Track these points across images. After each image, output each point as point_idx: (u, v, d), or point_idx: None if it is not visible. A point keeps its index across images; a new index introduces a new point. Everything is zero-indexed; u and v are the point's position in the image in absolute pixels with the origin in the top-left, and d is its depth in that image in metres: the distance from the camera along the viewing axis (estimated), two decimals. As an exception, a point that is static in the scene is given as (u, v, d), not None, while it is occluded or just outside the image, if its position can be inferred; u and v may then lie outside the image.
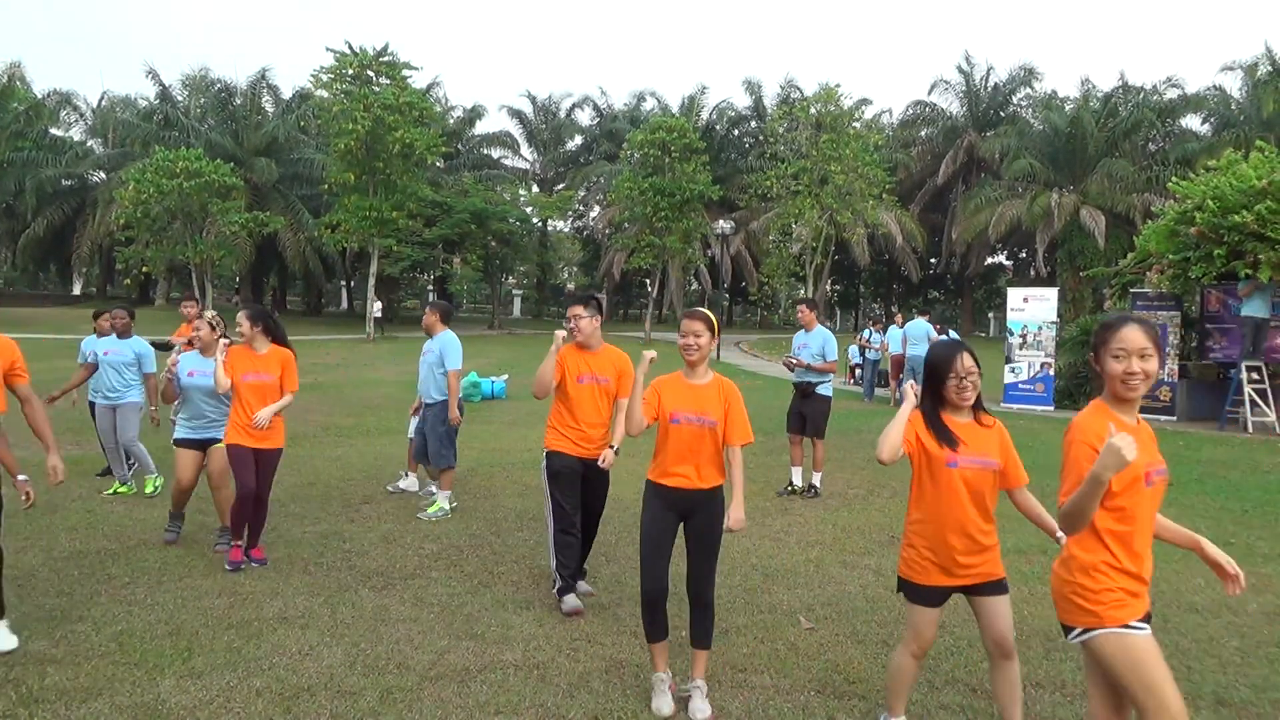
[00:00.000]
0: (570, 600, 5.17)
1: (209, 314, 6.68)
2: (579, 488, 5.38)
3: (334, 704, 3.93)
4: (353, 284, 48.42)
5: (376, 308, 34.81)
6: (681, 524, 4.04)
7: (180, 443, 6.41)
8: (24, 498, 4.37)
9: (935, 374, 3.40)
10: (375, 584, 5.57)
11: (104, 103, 46.93)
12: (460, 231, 36.79)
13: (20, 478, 4.38)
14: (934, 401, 3.41)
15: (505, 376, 17.55)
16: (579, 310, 5.33)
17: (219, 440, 6.31)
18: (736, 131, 48.67)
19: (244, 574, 5.71)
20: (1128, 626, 2.82)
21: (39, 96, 44.86)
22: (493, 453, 10.65)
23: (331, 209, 34.53)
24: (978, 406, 3.44)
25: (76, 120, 47.78)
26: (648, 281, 40.66)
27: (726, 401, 4.01)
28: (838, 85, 31.75)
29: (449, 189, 39.29)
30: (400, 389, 17.15)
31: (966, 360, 3.35)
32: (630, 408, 3.97)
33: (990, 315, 53.09)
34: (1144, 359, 2.74)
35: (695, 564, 4.00)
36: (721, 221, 33.91)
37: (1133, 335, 2.76)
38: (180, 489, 6.36)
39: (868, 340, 18.28)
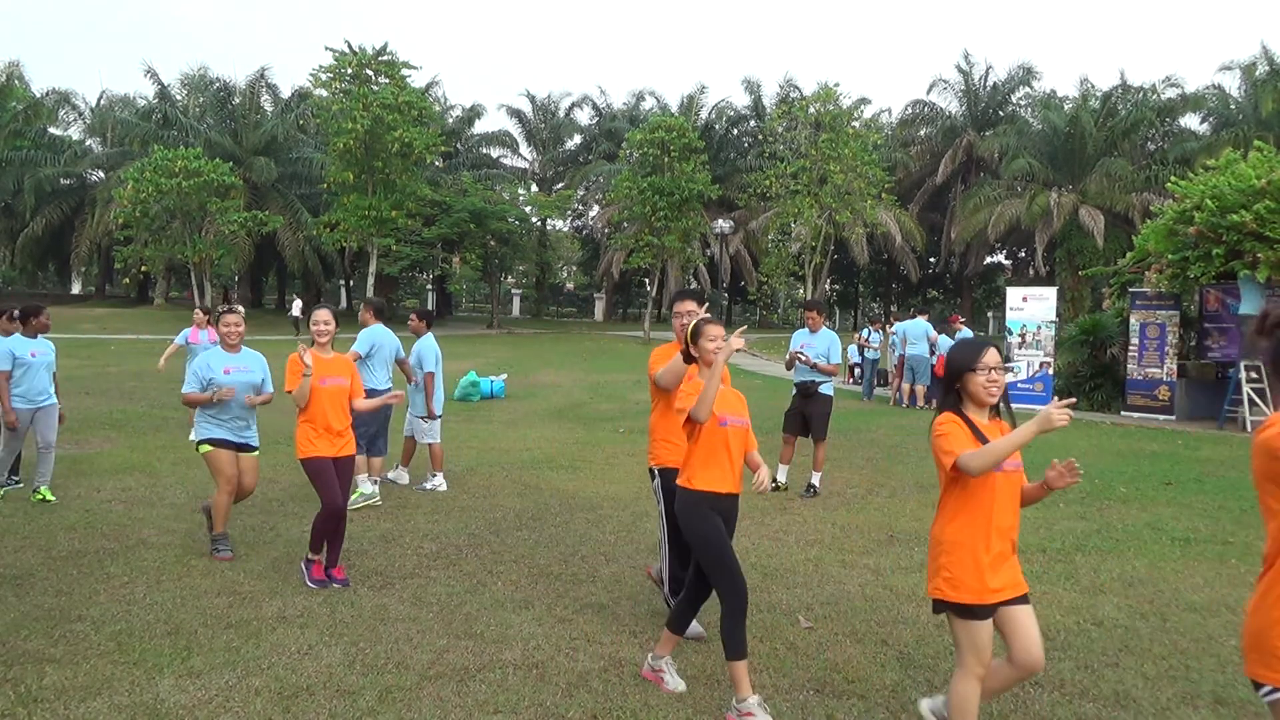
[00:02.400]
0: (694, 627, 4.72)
1: (240, 308, 6.48)
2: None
3: (333, 703, 3.93)
4: (352, 283, 48.38)
5: (296, 306, 34.58)
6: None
7: (217, 443, 6.03)
8: None
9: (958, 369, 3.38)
10: (374, 583, 5.57)
11: (103, 101, 46.88)
12: (459, 231, 36.74)
13: None
14: (958, 398, 3.40)
15: (504, 376, 17.55)
16: (692, 306, 4.83)
17: (253, 448, 6.18)
18: (735, 131, 48.62)
19: (243, 573, 5.70)
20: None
21: (37, 95, 44.86)
22: (492, 452, 10.65)
23: (330, 208, 34.51)
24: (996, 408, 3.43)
25: (75, 119, 47.75)
26: (647, 281, 40.64)
27: (744, 404, 4.26)
28: (837, 85, 31.77)
29: (448, 188, 39.23)
30: (395, 388, 17.13)
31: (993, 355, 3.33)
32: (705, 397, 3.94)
33: (989, 314, 53.08)
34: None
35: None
36: (720, 221, 33.93)
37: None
38: (229, 492, 6.05)
39: (867, 339, 18.28)
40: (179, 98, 43.65)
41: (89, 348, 23.31)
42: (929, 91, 45.99)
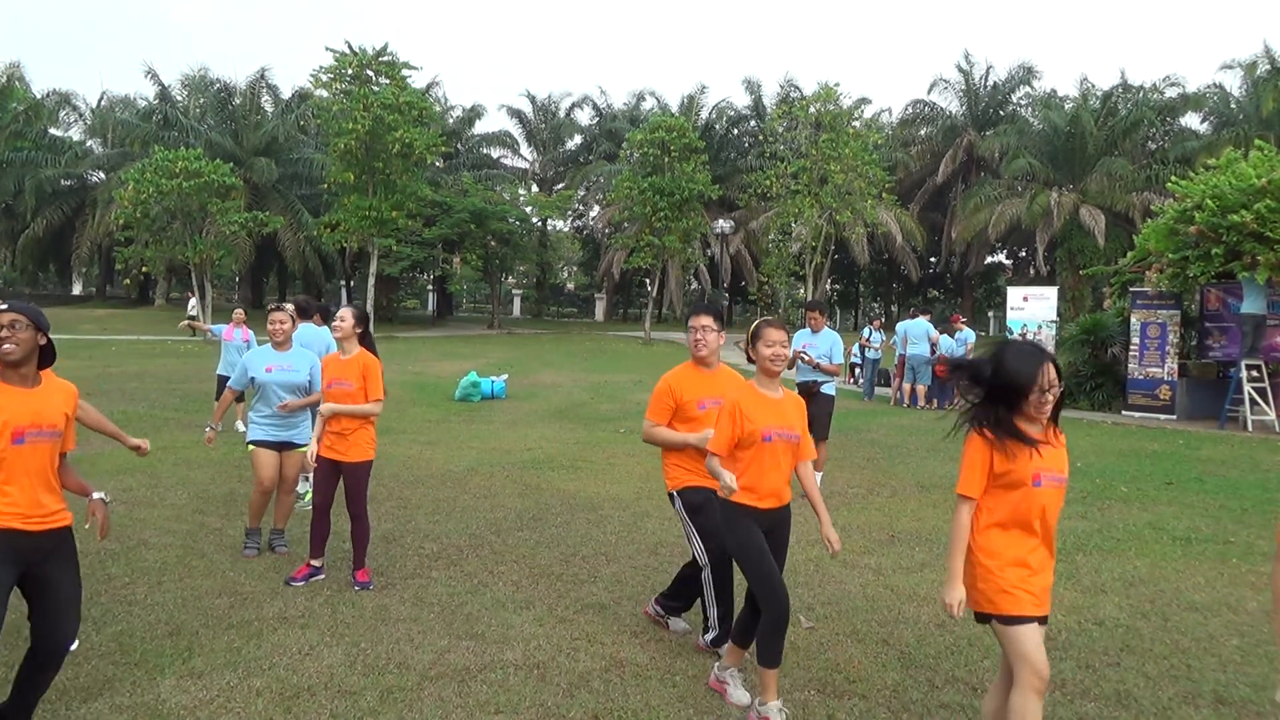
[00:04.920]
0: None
1: (288, 305, 6.36)
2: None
3: (334, 704, 3.93)
4: (352, 284, 48.37)
5: (191, 304, 34.11)
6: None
7: (258, 444, 6.10)
8: (91, 521, 3.63)
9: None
10: (375, 584, 5.56)
11: (103, 102, 46.82)
12: (460, 231, 36.71)
13: (96, 495, 3.70)
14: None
15: (505, 376, 17.54)
16: (708, 322, 4.61)
17: (296, 445, 6.10)
18: (736, 131, 48.59)
19: (244, 574, 5.70)
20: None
21: (38, 96, 44.84)
22: (492, 452, 10.65)
23: (331, 209, 34.48)
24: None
25: (76, 120, 47.69)
26: (647, 281, 40.63)
27: (802, 414, 4.12)
28: (837, 84, 31.72)
29: (448, 189, 39.20)
30: (396, 388, 17.14)
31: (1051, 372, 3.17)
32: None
33: (990, 314, 53.08)
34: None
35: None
36: (721, 221, 33.92)
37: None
38: (261, 494, 6.11)
39: (868, 339, 18.29)
40: (179, 99, 43.63)
41: (90, 349, 23.31)
42: (929, 91, 45.99)
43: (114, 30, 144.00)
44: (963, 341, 16.67)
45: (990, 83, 44.78)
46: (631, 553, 6.44)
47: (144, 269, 35.49)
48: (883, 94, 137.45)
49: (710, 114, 47.68)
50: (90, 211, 41.10)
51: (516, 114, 50.59)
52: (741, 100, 48.89)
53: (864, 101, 41.05)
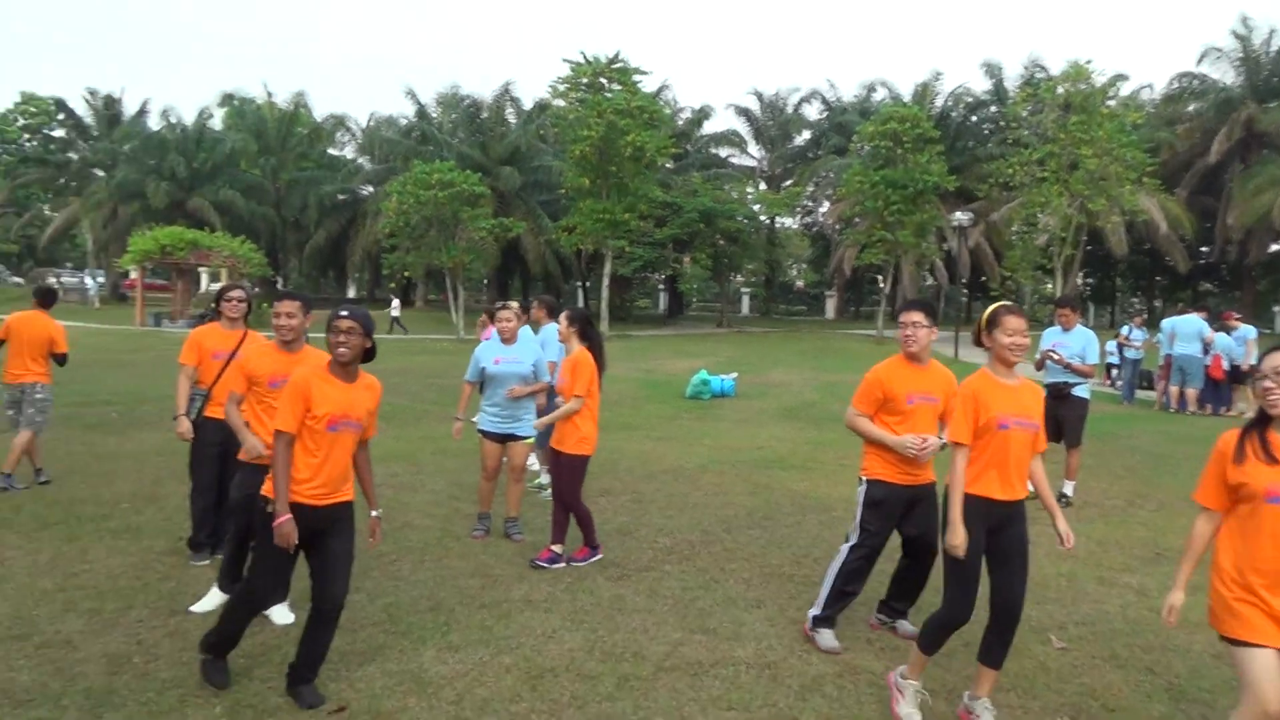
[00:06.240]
0: (827, 638, 4.69)
1: (514, 304, 6.91)
2: (897, 519, 4.74)
3: (575, 686, 4.13)
4: (588, 284, 50.42)
5: (394, 306, 36.29)
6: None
7: (484, 434, 6.60)
8: (371, 537, 4.22)
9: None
10: (611, 574, 5.78)
11: (371, 122, 51.69)
12: (689, 231, 37.34)
13: (374, 513, 4.26)
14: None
15: (735, 374, 17.63)
16: (919, 318, 4.68)
17: (519, 436, 6.57)
18: (974, 118, 46.12)
19: (493, 557, 6.10)
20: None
21: (318, 120, 50.18)
22: (723, 450, 10.75)
23: (568, 213, 36.11)
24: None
25: (349, 140, 53.02)
26: (880, 278, 39.44)
27: (1039, 403, 3.96)
28: (1089, 62, 29.29)
29: (678, 189, 39.92)
30: (631, 385, 17.65)
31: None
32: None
33: (1275, 309, 47.09)
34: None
35: (1018, 577, 3.84)
36: (959, 213, 32.25)
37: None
38: (484, 480, 6.67)
39: (1128, 337, 16.80)
40: (434, 115, 47.33)
41: (360, 346, 25.73)
42: (1199, 62, 41.53)
43: (382, 58, 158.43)
44: (1241, 339, 14.90)
45: (1273, 49, 39.75)
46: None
47: (406, 273, 38.73)
48: (1143, 69, 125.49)
49: (946, 101, 45.58)
50: (361, 222, 45.49)
51: (744, 112, 50.70)
52: (980, 85, 46.38)
53: (1120, 78, 37.49)
